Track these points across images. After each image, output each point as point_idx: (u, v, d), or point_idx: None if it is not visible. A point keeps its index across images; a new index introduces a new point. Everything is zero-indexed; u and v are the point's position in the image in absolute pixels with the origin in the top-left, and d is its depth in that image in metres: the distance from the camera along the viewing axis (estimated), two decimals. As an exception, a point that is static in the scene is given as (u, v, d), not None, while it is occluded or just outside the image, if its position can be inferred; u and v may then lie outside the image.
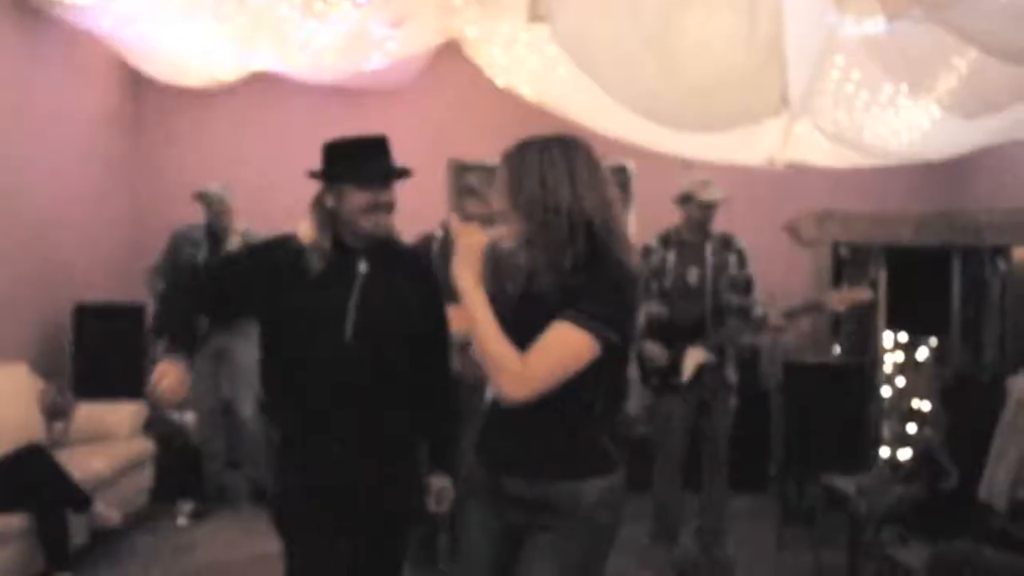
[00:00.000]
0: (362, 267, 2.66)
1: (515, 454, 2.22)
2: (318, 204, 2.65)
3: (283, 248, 2.66)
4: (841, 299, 4.36)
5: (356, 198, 2.60)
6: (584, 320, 2.06)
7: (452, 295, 4.36)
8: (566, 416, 2.17)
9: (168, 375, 2.44)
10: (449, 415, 2.87)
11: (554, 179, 2.14)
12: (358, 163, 2.64)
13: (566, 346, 2.06)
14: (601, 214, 2.16)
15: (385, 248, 2.71)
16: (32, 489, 4.05)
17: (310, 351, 2.59)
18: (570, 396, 2.11)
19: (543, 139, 2.21)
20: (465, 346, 4.50)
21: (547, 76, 5.33)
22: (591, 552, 2.22)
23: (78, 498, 4.23)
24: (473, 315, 2.12)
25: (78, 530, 4.32)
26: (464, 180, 5.91)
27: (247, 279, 2.67)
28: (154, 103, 6.81)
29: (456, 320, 4.47)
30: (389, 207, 2.66)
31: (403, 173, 2.68)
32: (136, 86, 6.65)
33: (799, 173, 5.98)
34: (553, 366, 2.06)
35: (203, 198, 5.54)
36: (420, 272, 2.83)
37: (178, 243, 5.57)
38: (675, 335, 4.56)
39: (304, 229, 2.66)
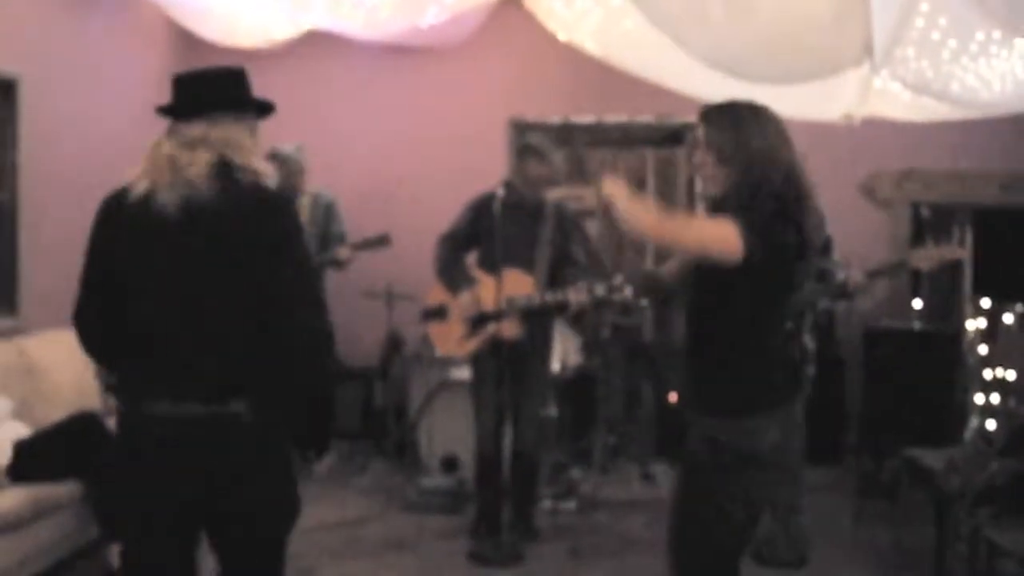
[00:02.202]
0: None
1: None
2: None
3: None
4: (928, 257, 4.07)
5: None
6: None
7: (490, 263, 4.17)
8: None
9: None
10: None
11: (776, 139, 2.46)
12: None
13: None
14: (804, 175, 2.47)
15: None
16: (85, 457, 3.96)
17: None
18: None
19: (750, 104, 2.53)
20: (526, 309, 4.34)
21: (612, 29, 5.09)
22: None
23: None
24: (673, 228, 2.50)
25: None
26: (525, 139, 5.71)
27: None
28: (207, 65, 6.67)
29: (519, 285, 4.31)
30: None
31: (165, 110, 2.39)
32: (189, 48, 6.51)
33: (876, 129, 5.66)
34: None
35: (276, 158, 5.44)
36: None
37: None
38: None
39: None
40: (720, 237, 2.36)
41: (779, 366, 2.51)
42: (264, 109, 2.45)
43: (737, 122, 2.46)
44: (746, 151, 2.43)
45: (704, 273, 2.48)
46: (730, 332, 2.46)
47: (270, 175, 2.36)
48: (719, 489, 2.43)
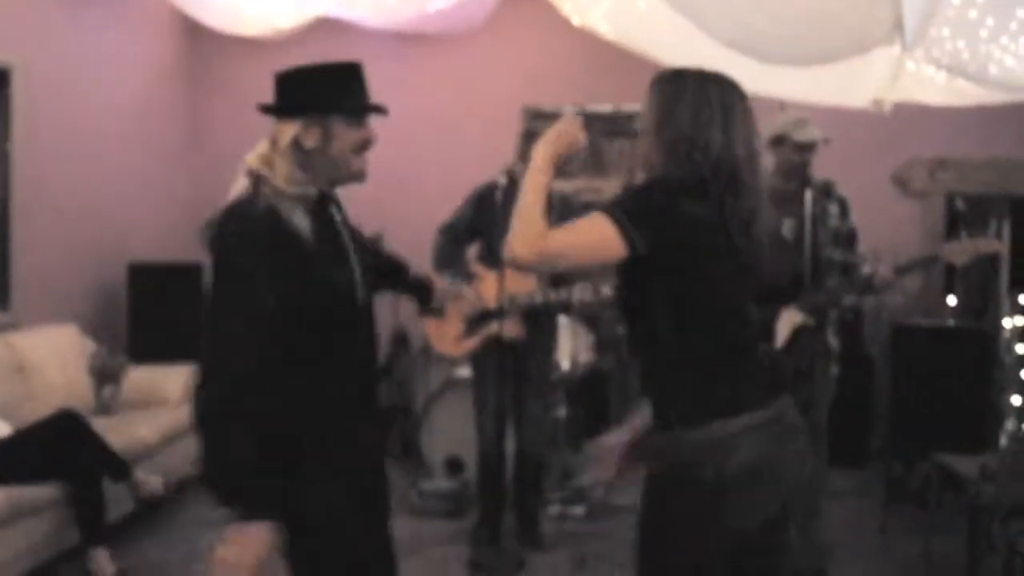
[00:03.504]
0: (337, 216, 2.30)
1: None
2: (295, 145, 2.15)
3: (261, 226, 2.09)
4: (963, 250, 3.80)
5: (349, 135, 2.20)
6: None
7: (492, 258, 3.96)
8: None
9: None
10: None
11: (708, 118, 2.04)
12: (350, 91, 2.23)
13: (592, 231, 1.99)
14: (749, 164, 2.07)
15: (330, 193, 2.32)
16: (66, 457, 3.81)
17: (329, 331, 2.20)
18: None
19: (701, 73, 2.13)
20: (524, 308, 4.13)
21: (627, 11, 4.90)
22: None
23: (115, 466, 3.98)
24: (527, 186, 2.05)
25: (121, 500, 4.10)
26: (534, 127, 5.50)
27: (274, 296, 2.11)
28: (212, 55, 6.54)
29: (521, 282, 4.09)
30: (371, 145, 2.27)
31: (380, 108, 2.29)
32: (192, 37, 6.39)
33: (908, 115, 5.39)
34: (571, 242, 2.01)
35: None
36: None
37: None
38: (768, 295, 4.06)
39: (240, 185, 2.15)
40: (594, 242, 1.98)
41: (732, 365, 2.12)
42: (270, 108, 2.24)
43: (676, 92, 2.07)
44: (673, 126, 2.04)
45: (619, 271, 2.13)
46: (654, 332, 2.10)
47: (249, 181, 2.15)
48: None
